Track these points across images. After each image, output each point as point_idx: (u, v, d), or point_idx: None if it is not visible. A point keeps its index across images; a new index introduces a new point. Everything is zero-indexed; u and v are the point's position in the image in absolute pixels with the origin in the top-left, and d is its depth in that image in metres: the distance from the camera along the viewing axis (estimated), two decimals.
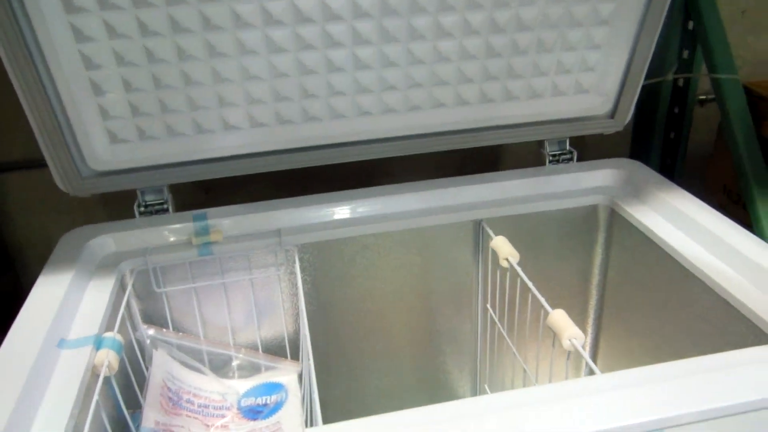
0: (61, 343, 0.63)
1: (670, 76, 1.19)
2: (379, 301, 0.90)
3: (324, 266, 0.85)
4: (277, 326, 0.87)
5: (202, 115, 0.80)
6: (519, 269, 0.75)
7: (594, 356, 0.98)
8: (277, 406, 0.76)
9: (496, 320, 0.87)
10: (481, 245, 0.88)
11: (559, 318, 0.64)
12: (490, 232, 0.83)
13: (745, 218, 1.05)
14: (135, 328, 0.78)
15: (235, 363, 0.83)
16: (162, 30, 0.72)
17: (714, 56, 1.06)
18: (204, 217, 0.82)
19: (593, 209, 0.89)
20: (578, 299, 0.95)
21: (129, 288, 0.77)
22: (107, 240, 0.81)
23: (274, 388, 0.79)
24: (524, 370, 0.81)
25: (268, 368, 0.83)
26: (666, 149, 1.26)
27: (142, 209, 0.85)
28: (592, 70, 0.89)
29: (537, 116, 0.91)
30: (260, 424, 0.74)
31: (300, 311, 0.76)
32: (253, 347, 0.86)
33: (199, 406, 0.74)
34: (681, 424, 0.50)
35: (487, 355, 0.95)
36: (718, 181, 1.22)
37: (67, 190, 0.80)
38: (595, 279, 0.93)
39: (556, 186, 0.90)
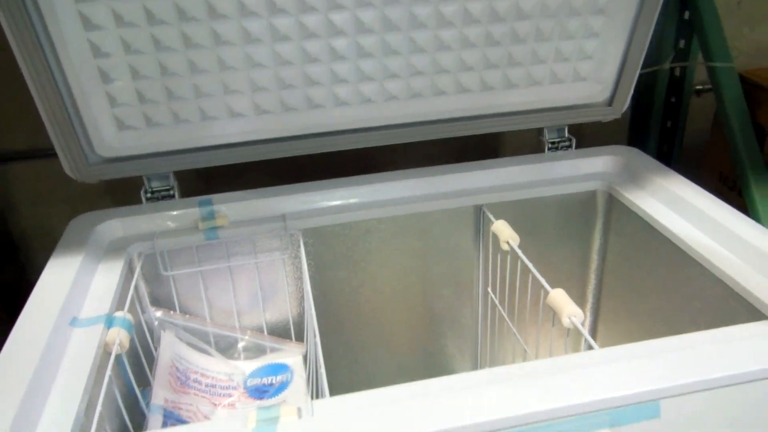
0: (74, 322, 0.64)
1: (666, 66, 1.20)
2: (381, 285, 0.91)
3: (327, 251, 0.87)
4: (282, 309, 0.88)
5: (208, 103, 0.81)
6: (519, 252, 0.77)
7: (593, 338, 1.00)
8: (283, 386, 0.78)
9: (497, 303, 0.89)
10: (482, 230, 0.90)
11: (559, 296, 0.66)
12: (491, 217, 0.85)
13: (741, 205, 1.07)
14: (143, 310, 0.80)
15: (240, 345, 0.85)
16: (169, 18, 0.73)
17: (710, 45, 1.07)
18: (210, 203, 0.84)
19: (592, 195, 0.91)
20: (577, 282, 0.97)
21: (137, 271, 0.79)
22: (115, 225, 0.82)
23: (280, 368, 0.81)
24: (525, 351, 0.82)
25: (273, 350, 0.85)
26: (663, 138, 1.28)
27: (149, 195, 0.86)
28: (590, 59, 0.90)
29: (536, 104, 0.92)
30: (266, 403, 0.76)
31: (305, 292, 0.78)
32: (258, 329, 0.88)
33: (207, 385, 0.76)
34: (676, 395, 0.52)
35: (488, 337, 0.97)
36: (714, 169, 1.24)
37: (75, 176, 0.81)
38: (594, 263, 0.95)
39: (555, 172, 0.92)
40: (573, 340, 0.99)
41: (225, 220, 0.83)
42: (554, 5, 0.83)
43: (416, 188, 0.89)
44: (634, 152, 0.93)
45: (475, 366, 1.02)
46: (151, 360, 0.74)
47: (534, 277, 0.72)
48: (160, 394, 0.68)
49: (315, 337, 0.65)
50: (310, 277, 0.88)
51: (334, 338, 0.93)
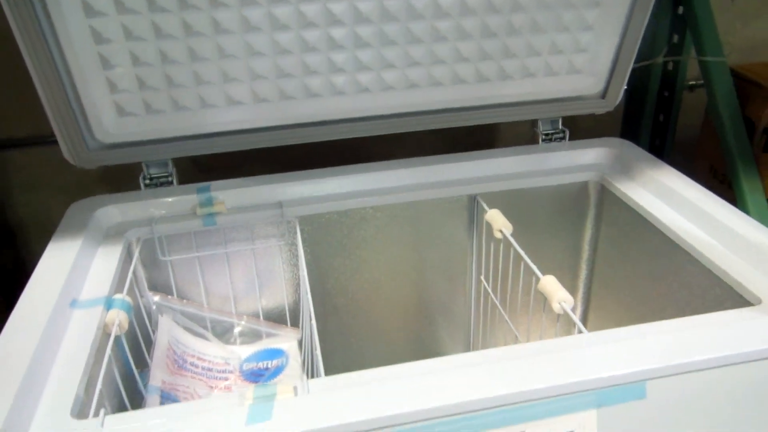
0: (74, 303, 0.66)
1: (659, 60, 1.22)
2: (376, 272, 0.92)
3: (323, 238, 0.88)
4: (278, 295, 0.89)
5: (207, 90, 0.82)
6: (512, 240, 0.78)
7: (583, 325, 1.01)
8: (278, 370, 0.79)
9: (489, 291, 0.90)
10: (475, 219, 0.91)
11: (550, 282, 0.67)
12: (485, 206, 0.86)
13: (731, 197, 1.09)
14: (142, 294, 0.81)
15: (236, 330, 0.86)
16: (169, 6, 0.74)
17: (702, 40, 1.09)
18: (207, 189, 0.85)
19: (584, 185, 0.92)
20: (569, 271, 0.98)
21: (135, 255, 0.80)
22: (113, 210, 0.83)
23: (275, 353, 0.82)
24: (516, 337, 0.84)
25: (269, 335, 0.86)
26: (655, 131, 1.29)
27: (147, 182, 0.87)
28: (585, 51, 0.91)
29: (531, 95, 0.93)
30: None
31: (302, 278, 0.79)
32: (254, 315, 0.89)
33: (203, 369, 0.77)
34: (662, 377, 0.54)
35: (480, 324, 0.98)
36: (705, 162, 1.25)
37: (74, 162, 0.82)
38: (585, 252, 0.97)
39: (548, 163, 0.93)
40: (564, 327, 1.01)
41: (223, 207, 0.84)
42: None
43: (412, 177, 0.90)
44: (627, 145, 0.95)
45: (467, 351, 1.03)
46: (149, 343, 0.75)
47: (526, 265, 0.73)
48: (158, 376, 0.70)
49: (311, 320, 0.67)
50: (306, 264, 0.89)
51: (329, 324, 0.94)
